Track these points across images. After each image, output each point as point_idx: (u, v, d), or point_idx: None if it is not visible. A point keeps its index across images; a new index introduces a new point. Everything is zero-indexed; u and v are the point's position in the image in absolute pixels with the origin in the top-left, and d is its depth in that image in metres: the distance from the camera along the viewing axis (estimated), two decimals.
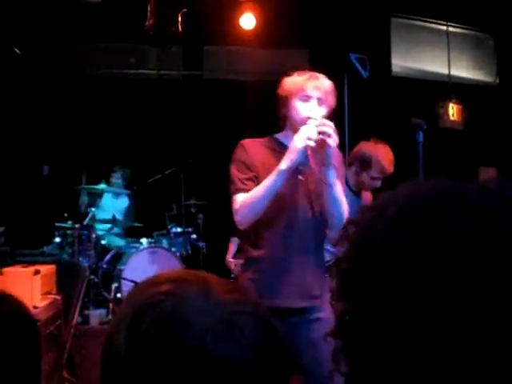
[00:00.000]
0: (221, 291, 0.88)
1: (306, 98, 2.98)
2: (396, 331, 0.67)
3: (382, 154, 4.04)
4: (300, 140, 2.84)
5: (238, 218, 2.98)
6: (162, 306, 0.85)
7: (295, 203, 3.01)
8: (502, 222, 0.66)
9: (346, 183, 3.59)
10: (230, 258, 5.79)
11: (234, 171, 3.06)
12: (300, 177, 3.03)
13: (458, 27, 8.22)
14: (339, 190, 2.98)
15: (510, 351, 0.63)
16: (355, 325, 0.71)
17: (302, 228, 3.00)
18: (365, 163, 4.05)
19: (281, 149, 3.03)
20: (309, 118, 2.89)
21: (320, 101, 2.99)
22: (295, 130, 2.94)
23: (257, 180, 2.99)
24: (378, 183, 4.09)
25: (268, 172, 2.94)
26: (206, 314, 0.84)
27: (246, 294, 0.92)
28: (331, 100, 3.05)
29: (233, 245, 5.80)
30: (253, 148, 3.10)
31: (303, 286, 3.00)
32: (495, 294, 0.63)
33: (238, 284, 0.97)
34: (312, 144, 2.82)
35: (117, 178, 7.44)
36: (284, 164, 2.86)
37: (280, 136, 3.17)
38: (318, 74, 3.07)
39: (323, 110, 2.98)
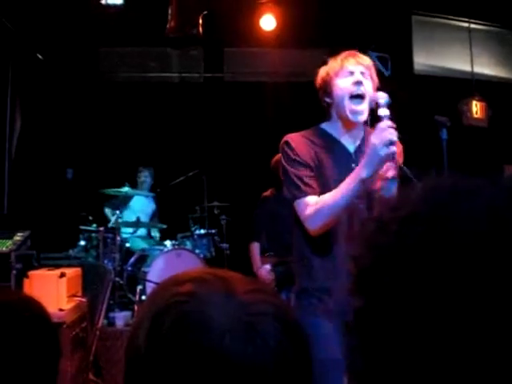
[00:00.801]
0: (242, 291, 0.88)
1: (349, 74, 2.75)
2: (407, 330, 0.67)
3: (399, 148, 4.02)
4: (382, 147, 2.50)
5: (310, 225, 2.69)
6: (182, 306, 0.85)
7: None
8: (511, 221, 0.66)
9: None
10: (259, 267, 5.46)
11: (292, 171, 2.75)
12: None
13: (480, 24, 8.15)
14: None
15: None
16: (369, 321, 0.71)
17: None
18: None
19: (327, 140, 2.83)
20: (356, 89, 2.69)
21: (364, 74, 2.76)
22: (343, 120, 2.79)
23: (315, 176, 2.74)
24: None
25: (320, 170, 2.75)
26: (225, 315, 0.83)
27: (269, 294, 0.91)
28: (374, 75, 2.82)
29: (255, 250, 5.61)
30: (300, 144, 2.80)
31: None
32: (501, 292, 0.64)
33: (261, 283, 0.95)
34: (394, 150, 2.51)
35: (145, 177, 7.49)
36: (365, 172, 2.53)
37: (325, 126, 2.90)
38: (354, 52, 2.85)
39: (370, 84, 2.76)
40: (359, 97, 2.73)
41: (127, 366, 0.88)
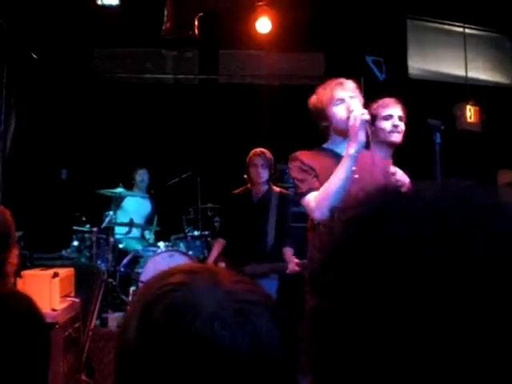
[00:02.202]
0: (229, 281, 0.90)
1: (340, 102, 3.27)
2: (352, 328, 0.70)
3: (371, 103, 4.11)
4: (356, 118, 3.09)
5: (317, 214, 3.12)
6: (172, 295, 0.86)
7: (371, 181, 3.15)
8: (450, 224, 0.69)
9: None
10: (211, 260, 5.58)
11: (297, 175, 3.27)
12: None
13: (474, 29, 8.18)
14: None
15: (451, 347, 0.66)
16: (320, 320, 0.74)
17: None
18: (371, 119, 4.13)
19: (334, 154, 3.33)
20: (349, 114, 3.17)
21: (352, 98, 3.28)
22: (341, 134, 3.27)
23: (318, 180, 3.21)
24: (396, 118, 4.10)
25: (327, 173, 3.16)
26: (215, 303, 0.85)
27: (253, 284, 0.93)
28: (359, 95, 3.35)
29: (217, 247, 5.71)
30: (307, 155, 3.33)
31: None
32: (440, 295, 0.66)
33: (246, 276, 0.97)
34: (367, 117, 3.11)
35: (144, 175, 7.49)
36: (352, 148, 3.09)
37: (327, 145, 3.42)
38: (339, 79, 3.36)
39: (358, 102, 3.28)
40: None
41: (118, 359, 0.89)
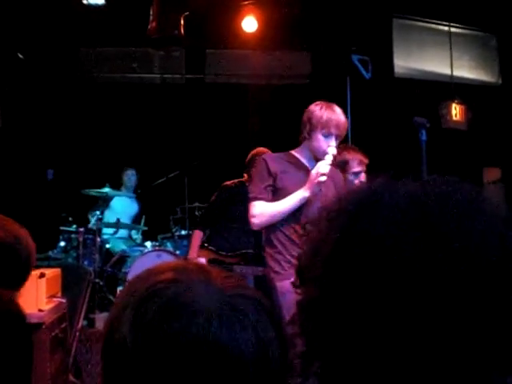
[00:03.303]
0: (219, 277, 0.89)
1: (328, 135, 3.59)
2: (339, 317, 0.72)
3: (351, 150, 4.41)
4: (316, 176, 3.52)
5: (256, 221, 3.64)
6: (165, 293, 0.84)
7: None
8: (431, 217, 0.71)
9: None
10: (194, 257, 5.41)
11: (256, 180, 3.70)
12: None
13: (460, 27, 8.21)
14: None
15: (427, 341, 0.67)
16: (309, 311, 0.76)
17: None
18: (343, 164, 4.30)
19: (298, 163, 3.73)
20: (326, 153, 3.56)
21: (337, 137, 3.63)
22: (313, 153, 3.67)
23: (274, 186, 3.63)
24: (363, 175, 4.35)
25: (287, 178, 3.64)
26: (209, 300, 0.84)
27: (240, 280, 0.93)
28: (344, 134, 3.71)
29: (197, 239, 5.56)
30: (275, 161, 3.70)
31: None
32: (420, 281, 0.68)
33: (233, 273, 0.97)
34: (325, 178, 3.53)
35: (132, 175, 7.48)
36: (306, 193, 3.55)
37: (296, 153, 3.77)
38: (337, 109, 3.66)
39: (336, 144, 3.64)
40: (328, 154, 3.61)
41: (108, 360, 0.87)
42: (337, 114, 3.64)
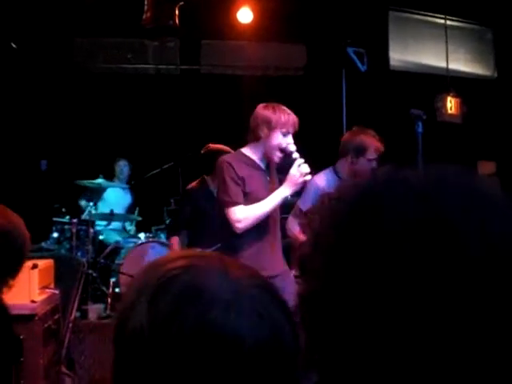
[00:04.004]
0: (235, 267, 0.88)
1: (287, 133, 3.77)
2: (341, 309, 0.71)
3: (372, 137, 4.30)
4: (300, 176, 3.69)
5: (241, 226, 3.73)
6: (181, 279, 0.83)
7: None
8: (436, 207, 0.69)
9: (337, 174, 4.35)
10: None
11: (229, 185, 3.74)
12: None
13: (456, 20, 8.21)
14: None
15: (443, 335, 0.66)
16: (310, 303, 0.75)
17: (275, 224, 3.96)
18: (361, 149, 4.26)
19: (254, 164, 3.87)
20: (284, 148, 3.75)
21: (293, 134, 3.80)
22: (267, 151, 3.82)
23: (243, 191, 3.76)
24: (375, 163, 4.28)
25: (253, 182, 3.79)
26: (226, 289, 0.82)
27: (252, 269, 0.91)
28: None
29: (177, 245, 5.57)
30: (238, 165, 3.80)
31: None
32: (436, 281, 0.66)
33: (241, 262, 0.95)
34: (309, 178, 3.75)
35: (124, 166, 7.46)
36: (288, 191, 3.74)
37: (247, 151, 3.92)
38: (289, 111, 3.83)
39: (292, 140, 3.81)
40: (283, 151, 3.81)
41: (123, 350, 0.85)
42: (292, 114, 3.82)
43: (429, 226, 0.68)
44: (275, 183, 3.92)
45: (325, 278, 0.72)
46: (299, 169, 3.71)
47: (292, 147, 3.78)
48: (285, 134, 3.78)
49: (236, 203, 3.73)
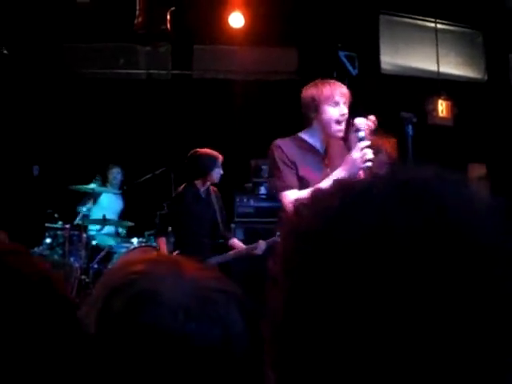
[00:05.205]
0: (192, 269, 0.87)
1: (335, 104, 3.58)
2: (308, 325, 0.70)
3: (389, 144, 4.30)
4: (361, 162, 3.36)
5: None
6: (133, 285, 0.83)
7: None
8: (390, 217, 0.69)
9: None
10: None
11: (281, 169, 3.58)
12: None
13: (446, 24, 8.24)
14: None
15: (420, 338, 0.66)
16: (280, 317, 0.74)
17: None
18: (378, 152, 4.23)
19: (309, 147, 3.70)
20: (340, 119, 3.56)
21: (345, 104, 3.61)
22: (324, 129, 3.63)
23: (296, 174, 3.58)
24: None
25: (306, 165, 3.60)
26: (177, 291, 0.82)
27: (215, 272, 0.91)
28: (349, 100, 3.67)
29: (164, 245, 5.66)
30: (289, 148, 3.66)
31: None
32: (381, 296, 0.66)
33: (211, 266, 0.95)
34: (370, 164, 3.37)
35: (117, 173, 7.47)
36: (345, 174, 3.38)
37: (305, 135, 3.74)
38: (339, 83, 3.69)
39: (346, 109, 3.60)
40: (341, 122, 3.61)
41: (78, 354, 0.85)
42: (336, 84, 3.67)
43: (378, 236, 0.68)
44: (333, 166, 3.59)
45: (304, 280, 0.71)
46: (362, 152, 3.39)
47: (360, 124, 3.50)
48: (334, 106, 3.58)
49: (289, 187, 3.55)
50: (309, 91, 3.66)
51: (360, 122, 3.50)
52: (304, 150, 3.68)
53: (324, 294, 0.69)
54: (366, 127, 3.50)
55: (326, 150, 3.74)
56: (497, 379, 0.67)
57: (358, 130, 3.47)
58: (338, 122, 3.58)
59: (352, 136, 3.59)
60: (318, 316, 0.69)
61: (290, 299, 0.72)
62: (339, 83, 3.69)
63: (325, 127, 3.64)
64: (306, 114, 3.68)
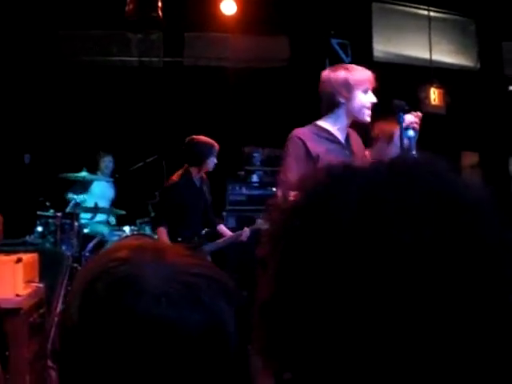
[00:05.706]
0: (176, 255, 0.87)
1: (366, 91, 3.46)
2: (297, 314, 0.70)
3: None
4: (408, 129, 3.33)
5: None
6: (115, 271, 0.83)
7: None
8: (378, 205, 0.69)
9: None
10: None
11: (293, 164, 3.38)
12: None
13: (439, 12, 8.23)
14: None
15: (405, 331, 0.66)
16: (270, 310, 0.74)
17: None
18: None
19: (332, 137, 3.52)
20: (370, 105, 3.47)
21: (373, 90, 3.51)
22: (355, 115, 3.49)
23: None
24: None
25: (331, 160, 3.22)
26: (160, 277, 0.82)
27: (200, 258, 0.91)
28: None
29: (164, 236, 5.55)
30: (310, 140, 3.45)
31: None
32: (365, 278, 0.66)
33: (195, 251, 0.95)
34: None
35: (109, 162, 7.45)
36: (392, 151, 3.39)
37: (325, 124, 3.55)
38: (361, 67, 3.55)
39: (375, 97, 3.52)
40: (369, 109, 3.51)
41: (61, 339, 0.86)
42: (366, 69, 3.55)
43: (368, 209, 0.68)
44: (357, 158, 3.47)
45: (278, 284, 0.72)
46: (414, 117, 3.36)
47: (410, 122, 3.38)
48: (365, 92, 3.47)
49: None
50: (340, 74, 3.47)
51: (409, 119, 3.35)
52: (328, 141, 3.50)
53: (313, 269, 0.68)
54: (415, 125, 3.38)
55: (347, 140, 3.59)
56: (503, 377, 0.66)
57: (407, 128, 3.35)
58: (368, 108, 3.49)
59: (391, 134, 3.51)
60: (307, 293, 0.69)
61: (278, 276, 0.72)
62: (364, 68, 3.57)
63: (355, 113, 3.49)
64: (333, 98, 3.48)
